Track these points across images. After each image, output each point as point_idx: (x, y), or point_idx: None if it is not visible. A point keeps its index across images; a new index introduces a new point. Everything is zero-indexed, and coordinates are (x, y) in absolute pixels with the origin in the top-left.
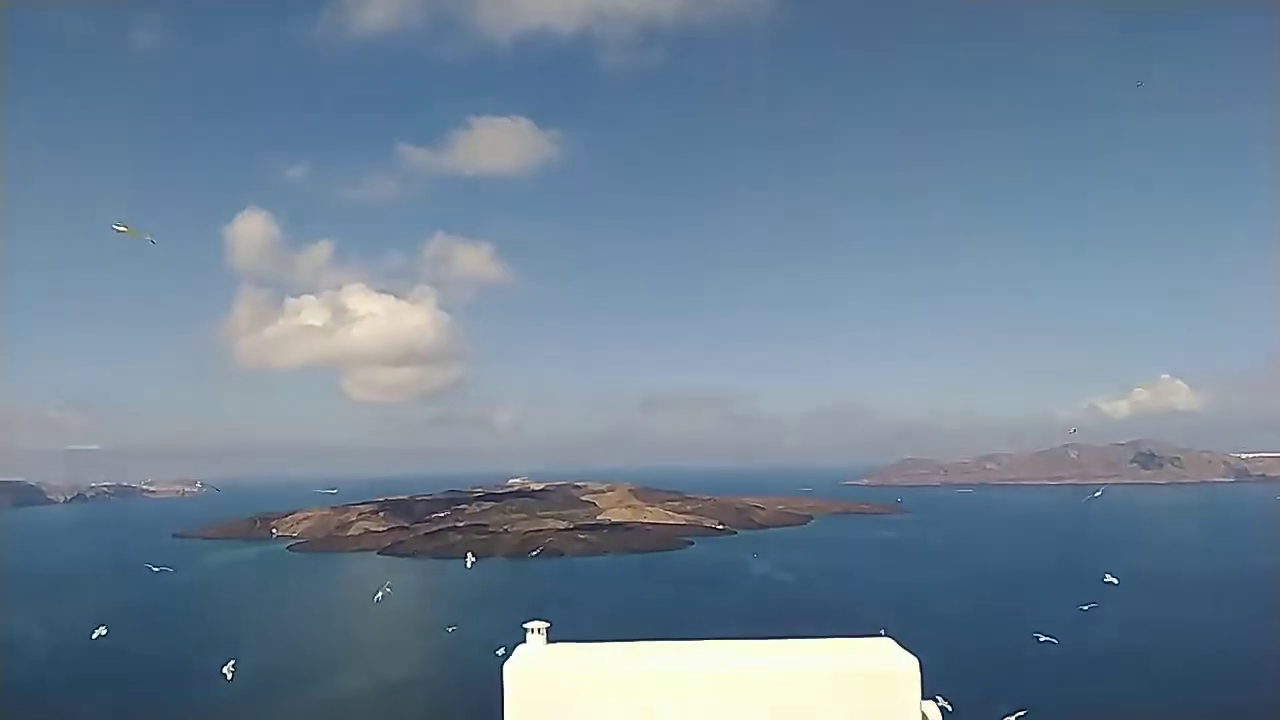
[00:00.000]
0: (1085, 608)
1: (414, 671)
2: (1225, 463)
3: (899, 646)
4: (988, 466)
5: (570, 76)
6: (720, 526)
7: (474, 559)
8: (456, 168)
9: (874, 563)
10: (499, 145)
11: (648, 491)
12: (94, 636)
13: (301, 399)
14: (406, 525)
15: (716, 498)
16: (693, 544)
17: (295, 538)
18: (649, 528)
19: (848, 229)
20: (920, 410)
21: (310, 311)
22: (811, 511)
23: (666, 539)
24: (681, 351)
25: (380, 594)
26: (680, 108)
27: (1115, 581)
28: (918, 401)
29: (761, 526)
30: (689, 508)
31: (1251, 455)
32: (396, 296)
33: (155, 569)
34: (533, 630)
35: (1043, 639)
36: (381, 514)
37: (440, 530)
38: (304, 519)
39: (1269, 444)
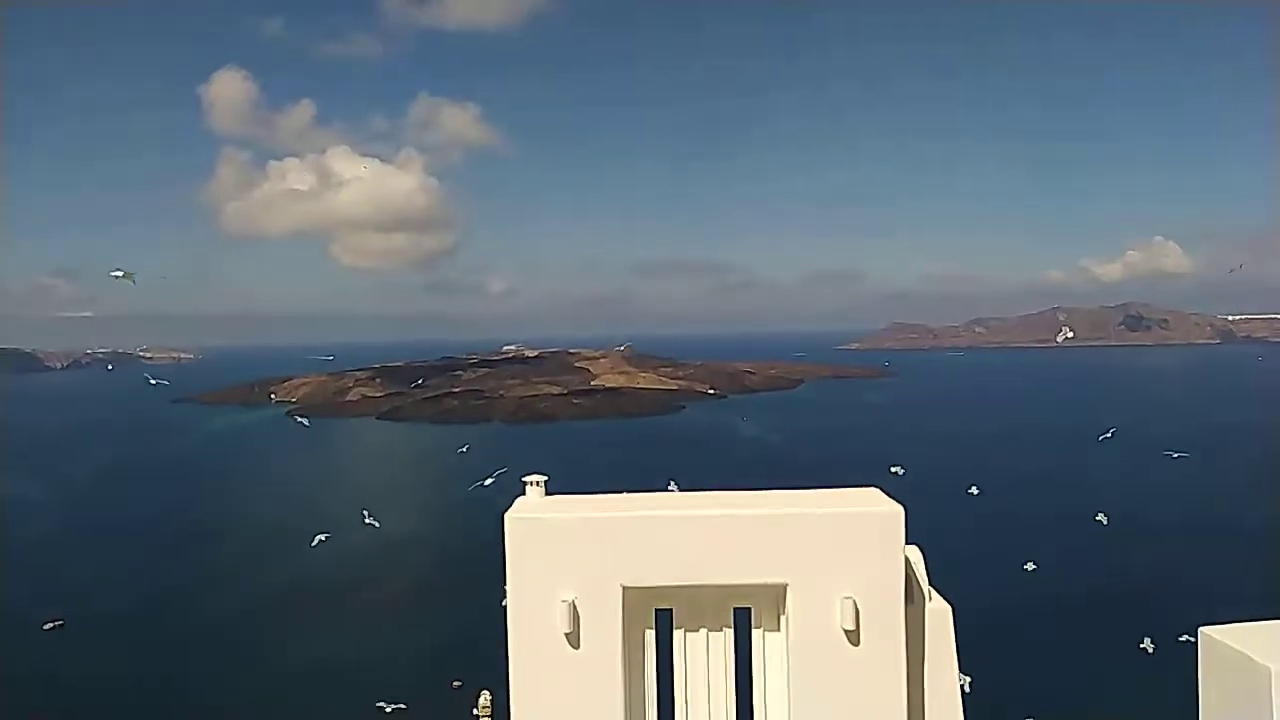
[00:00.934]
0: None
1: (420, 527)
2: (1212, 325)
3: (885, 495)
4: (976, 330)
5: None
6: (712, 391)
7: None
8: (439, 21)
9: (859, 423)
10: None
11: (640, 358)
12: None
13: (291, 265)
14: (403, 391)
15: (708, 363)
16: (684, 408)
17: (294, 403)
18: (642, 392)
19: (843, 98)
20: (912, 276)
21: (295, 175)
22: (802, 376)
23: (659, 403)
24: (675, 217)
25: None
26: None
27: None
28: (910, 267)
29: (752, 391)
30: (681, 373)
31: (1239, 317)
32: (383, 160)
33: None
34: (532, 483)
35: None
36: (378, 380)
37: (437, 396)
38: (302, 385)
39: (1259, 305)
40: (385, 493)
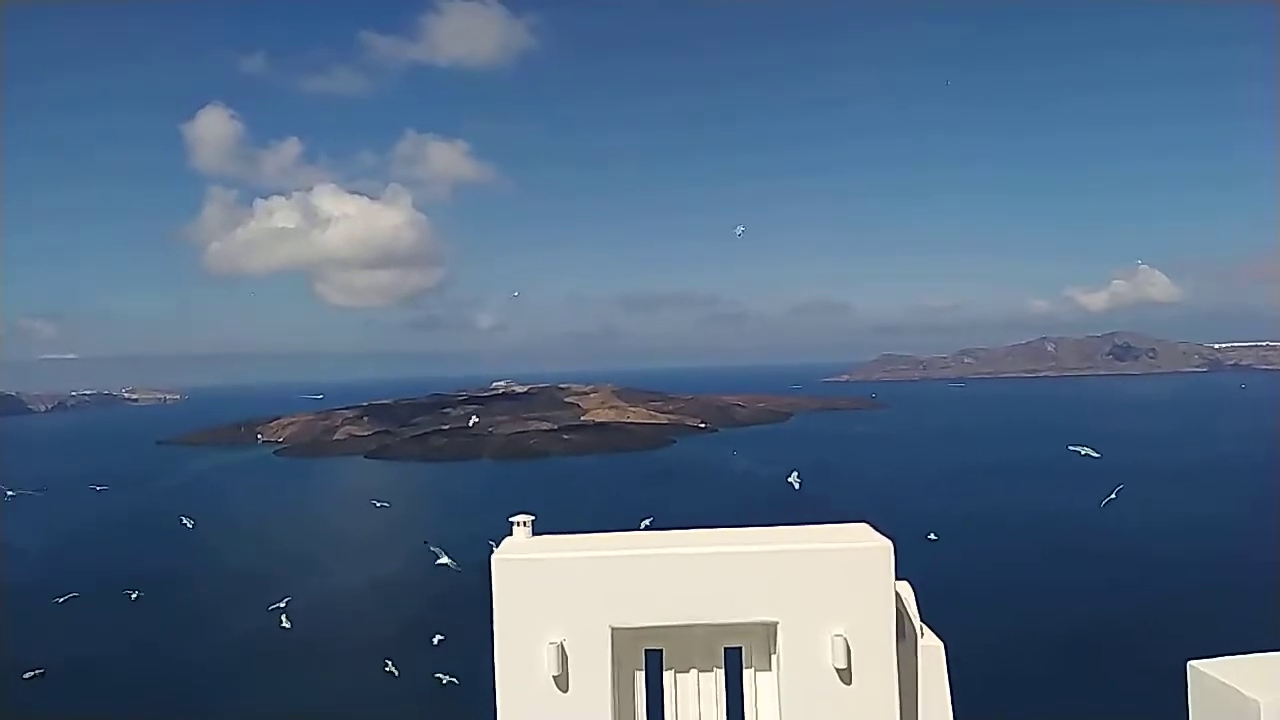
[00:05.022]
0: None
1: (405, 569)
2: (1199, 353)
3: (874, 530)
4: (965, 361)
5: None
6: (702, 425)
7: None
8: (426, 58)
9: (850, 456)
10: (472, 33)
11: (630, 392)
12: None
13: (277, 304)
14: (391, 429)
15: (698, 396)
16: (675, 442)
17: (281, 443)
18: (632, 427)
19: (829, 127)
20: (899, 306)
21: (281, 213)
22: (791, 409)
23: (650, 438)
24: (663, 251)
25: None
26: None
27: (1096, 455)
28: (898, 298)
29: (743, 424)
30: (671, 407)
31: (1225, 345)
32: (370, 197)
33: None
34: (519, 523)
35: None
36: (366, 418)
37: (426, 434)
38: (289, 424)
39: (1244, 334)
40: (368, 534)
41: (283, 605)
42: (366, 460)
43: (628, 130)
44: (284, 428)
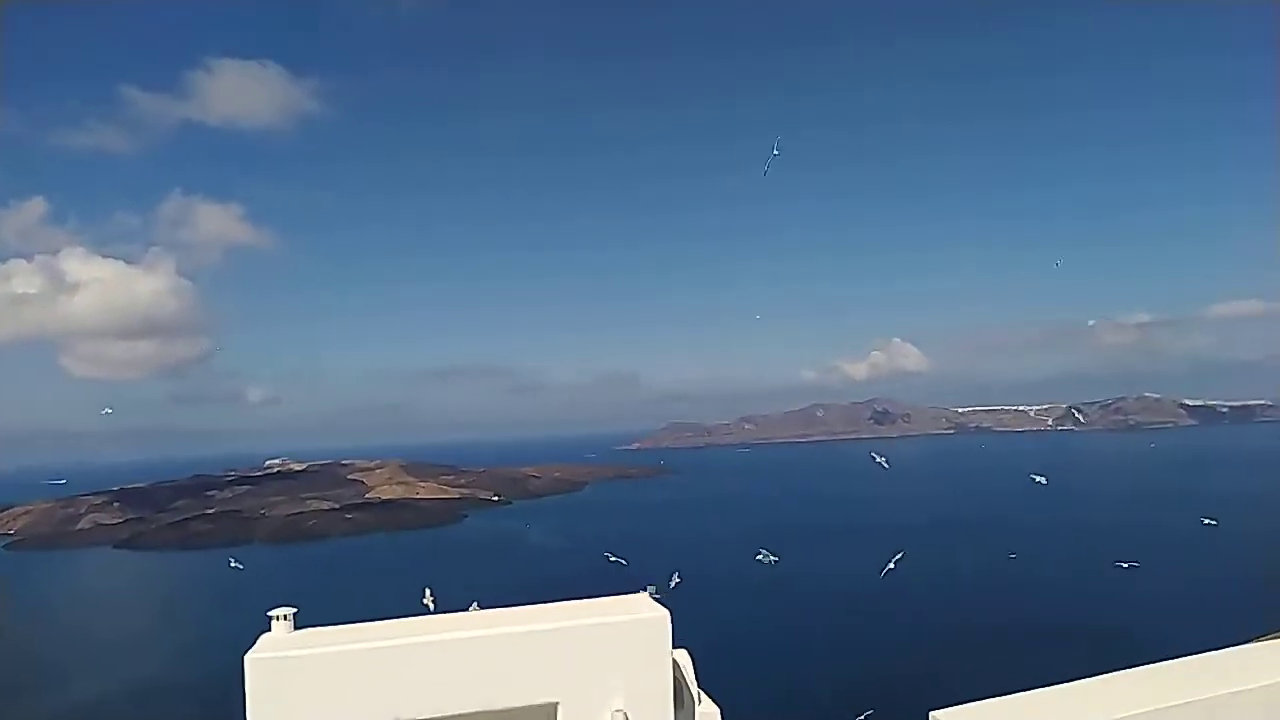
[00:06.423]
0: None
1: (157, 673)
2: (946, 417)
3: (653, 600)
4: (746, 427)
5: (330, 22)
6: (496, 498)
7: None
8: (197, 116)
9: (640, 524)
10: (247, 94)
11: (419, 466)
12: None
13: (14, 377)
14: (145, 515)
15: (491, 469)
16: (467, 517)
17: (13, 535)
18: (421, 503)
19: (619, 201)
20: (686, 376)
21: (21, 278)
22: (586, 478)
23: (440, 514)
24: (453, 321)
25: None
26: (455, 65)
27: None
28: (684, 369)
29: (537, 495)
30: (463, 480)
31: (967, 409)
32: (127, 261)
33: None
34: (277, 617)
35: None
36: (117, 504)
37: (187, 519)
38: (22, 514)
39: (983, 399)
40: (117, 634)
41: None
42: (115, 551)
43: (420, 195)
44: (16, 518)
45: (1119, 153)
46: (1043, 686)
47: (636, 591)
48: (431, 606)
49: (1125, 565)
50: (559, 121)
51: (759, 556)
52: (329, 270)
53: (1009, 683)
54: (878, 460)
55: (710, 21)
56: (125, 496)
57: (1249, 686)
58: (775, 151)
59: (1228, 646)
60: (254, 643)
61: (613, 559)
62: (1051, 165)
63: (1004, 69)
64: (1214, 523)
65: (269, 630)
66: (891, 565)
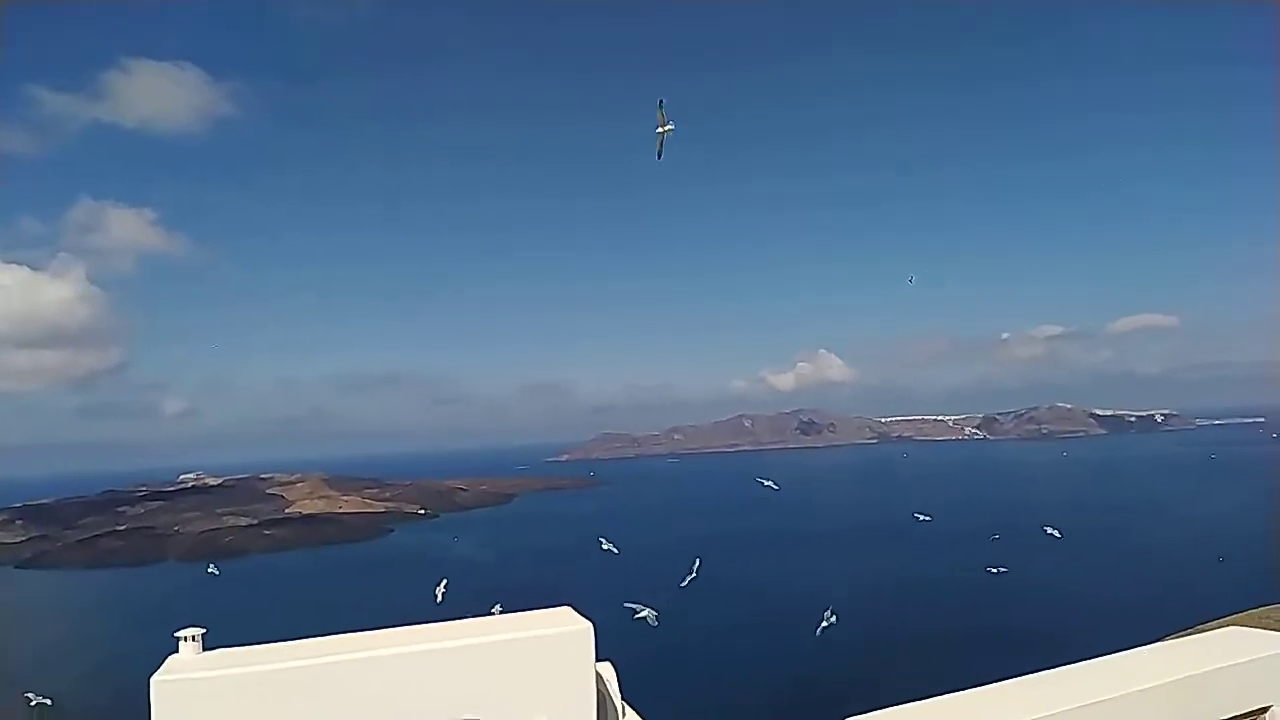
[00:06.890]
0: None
1: (60, 696)
2: (870, 427)
3: (576, 613)
4: (675, 437)
5: (253, 24)
6: (422, 511)
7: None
8: (110, 118)
9: (569, 536)
10: (163, 96)
11: (342, 480)
12: None
13: None
14: (51, 533)
15: (418, 481)
16: (393, 531)
17: None
18: (345, 518)
19: (547, 211)
20: (615, 386)
21: None
22: (515, 489)
23: (364, 528)
24: (376, 331)
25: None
26: (380, 67)
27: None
28: (613, 379)
29: (465, 508)
30: (388, 494)
31: (890, 419)
32: (32, 268)
33: None
34: (185, 638)
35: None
36: (19, 522)
37: (96, 536)
38: None
39: (905, 409)
40: (16, 656)
41: None
42: (18, 571)
43: (343, 203)
44: None
45: (1029, 168)
46: (957, 690)
47: (571, 603)
48: (440, 599)
49: (995, 570)
50: (480, 130)
51: (640, 614)
52: (246, 278)
53: (929, 687)
54: (765, 484)
55: (647, 34)
56: (29, 513)
57: (1156, 683)
58: (669, 125)
59: (1135, 646)
60: (161, 664)
61: (605, 545)
62: (969, 180)
63: (926, 83)
64: (1058, 533)
65: (176, 652)
66: (825, 625)
